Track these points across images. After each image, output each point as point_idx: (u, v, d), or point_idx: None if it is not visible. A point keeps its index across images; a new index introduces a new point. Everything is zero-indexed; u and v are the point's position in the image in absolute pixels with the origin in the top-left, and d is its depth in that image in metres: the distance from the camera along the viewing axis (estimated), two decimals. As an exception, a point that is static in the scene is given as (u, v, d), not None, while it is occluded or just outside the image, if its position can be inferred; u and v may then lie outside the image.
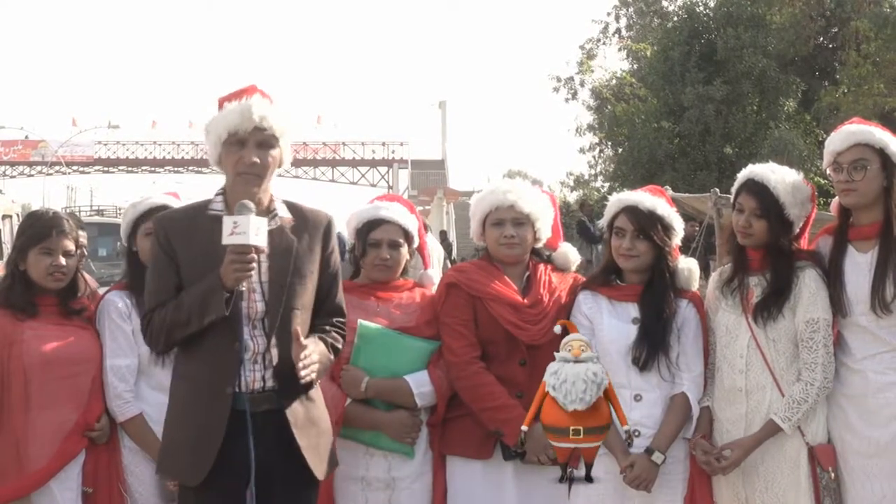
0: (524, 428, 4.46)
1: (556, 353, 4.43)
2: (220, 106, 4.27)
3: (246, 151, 4.16)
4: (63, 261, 4.77)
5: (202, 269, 4.08)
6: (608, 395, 4.40)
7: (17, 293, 4.75)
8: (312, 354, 4.15)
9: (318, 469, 4.30)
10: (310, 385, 4.25)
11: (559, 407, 4.31)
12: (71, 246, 4.82)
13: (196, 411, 4.18)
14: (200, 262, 4.11)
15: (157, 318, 4.17)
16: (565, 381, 4.29)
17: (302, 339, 4.11)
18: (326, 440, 4.40)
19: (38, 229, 4.79)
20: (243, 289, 4.07)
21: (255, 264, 4.04)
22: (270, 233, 4.19)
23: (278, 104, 4.29)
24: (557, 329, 4.54)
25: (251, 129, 4.15)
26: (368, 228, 5.00)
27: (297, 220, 4.33)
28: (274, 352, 4.20)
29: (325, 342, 4.33)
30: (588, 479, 4.61)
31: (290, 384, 4.18)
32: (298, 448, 4.21)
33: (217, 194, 4.32)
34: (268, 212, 4.26)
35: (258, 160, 4.16)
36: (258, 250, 4.03)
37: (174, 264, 4.20)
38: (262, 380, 4.20)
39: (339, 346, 4.44)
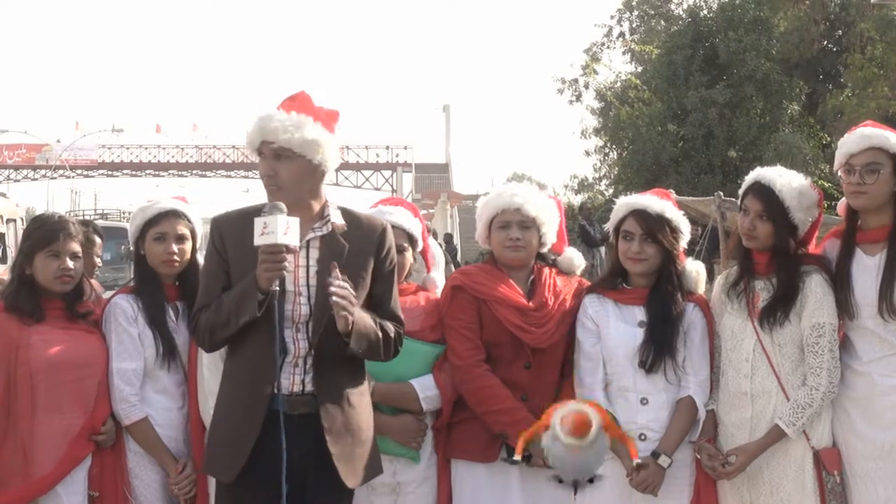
0: (517, 458, 4.43)
1: (545, 435, 4.34)
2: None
3: (263, 164, 4.25)
4: (70, 263, 4.76)
5: (248, 270, 4.11)
6: (620, 438, 4.39)
7: (23, 297, 4.73)
8: (349, 296, 4.08)
9: (350, 478, 4.29)
10: (353, 357, 4.25)
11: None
12: (77, 248, 4.82)
13: (235, 410, 4.25)
14: (247, 264, 4.13)
15: (202, 317, 4.26)
16: (557, 460, 4.30)
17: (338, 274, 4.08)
18: (364, 449, 4.37)
19: (45, 232, 4.78)
20: (276, 289, 4.08)
21: (287, 264, 4.05)
22: (321, 238, 4.26)
23: (302, 117, 4.26)
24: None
25: (260, 142, 4.23)
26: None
27: (350, 226, 4.35)
28: (318, 356, 4.22)
29: (374, 320, 4.28)
30: (589, 479, 4.62)
31: (329, 389, 4.21)
32: (327, 453, 4.22)
33: None
34: (320, 217, 4.31)
35: (272, 172, 4.22)
36: (290, 250, 4.04)
37: (225, 265, 4.28)
38: (301, 383, 4.23)
39: (391, 333, 4.36)
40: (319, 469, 4.22)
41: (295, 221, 4.05)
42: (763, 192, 4.69)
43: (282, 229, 3.97)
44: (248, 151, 4.34)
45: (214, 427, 4.42)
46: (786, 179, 4.70)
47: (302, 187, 4.27)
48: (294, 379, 4.22)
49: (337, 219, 4.34)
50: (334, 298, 4.04)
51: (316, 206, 4.32)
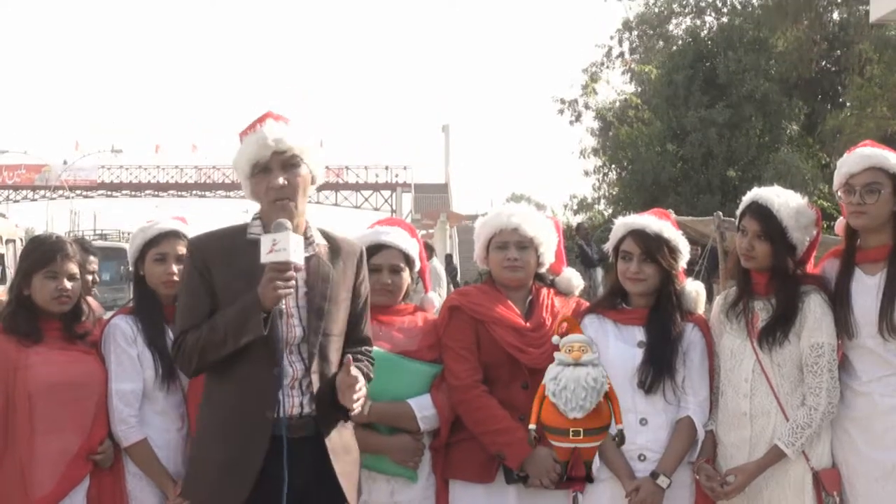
0: (532, 426, 4.47)
1: (555, 355, 4.46)
2: (241, 141, 4.29)
3: (272, 177, 4.17)
4: (68, 284, 4.76)
5: (241, 292, 4.08)
6: (608, 396, 4.43)
7: (21, 318, 4.73)
8: (364, 388, 4.16)
9: (352, 496, 4.29)
10: (348, 413, 4.25)
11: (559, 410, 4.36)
12: (75, 269, 4.82)
13: (232, 437, 4.16)
14: (239, 285, 4.10)
15: (189, 339, 4.16)
16: (565, 387, 4.32)
17: (353, 367, 4.11)
18: (357, 468, 4.39)
19: (43, 253, 4.78)
20: (282, 307, 4.07)
21: (293, 283, 4.04)
22: (308, 259, 4.22)
23: (294, 124, 4.29)
24: (556, 340, 4.54)
25: (270, 154, 4.16)
26: (369, 253, 4.99)
27: (331, 248, 4.35)
28: (314, 377, 4.20)
29: (362, 371, 4.32)
30: (588, 479, 4.63)
31: (328, 410, 4.19)
32: (333, 475, 4.21)
33: (255, 218, 4.32)
34: (304, 238, 4.27)
35: (286, 182, 4.17)
36: (297, 268, 4.03)
37: (209, 287, 4.20)
38: (300, 405, 4.19)
39: (372, 375, 4.44)
40: (320, 490, 4.20)
41: (300, 239, 4.05)
42: (761, 212, 4.69)
43: (293, 247, 3.96)
44: (245, 171, 4.25)
45: (202, 455, 4.32)
46: (783, 199, 4.71)
47: (305, 198, 4.27)
48: (293, 401, 4.18)
49: (320, 240, 4.34)
50: (356, 405, 4.12)
51: (301, 226, 4.28)
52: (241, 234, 4.28)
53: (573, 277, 5.22)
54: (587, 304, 5.14)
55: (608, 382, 4.41)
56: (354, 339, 4.43)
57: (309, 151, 4.26)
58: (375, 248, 5.00)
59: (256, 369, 4.11)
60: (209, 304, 4.20)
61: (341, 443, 4.28)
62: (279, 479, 4.04)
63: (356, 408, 4.13)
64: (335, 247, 4.37)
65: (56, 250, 4.78)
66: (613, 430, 4.47)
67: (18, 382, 4.63)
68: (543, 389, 4.44)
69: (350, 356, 4.16)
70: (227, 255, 4.21)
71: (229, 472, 4.14)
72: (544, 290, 5.06)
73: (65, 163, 64.10)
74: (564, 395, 4.32)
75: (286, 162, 4.19)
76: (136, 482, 4.83)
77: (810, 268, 4.85)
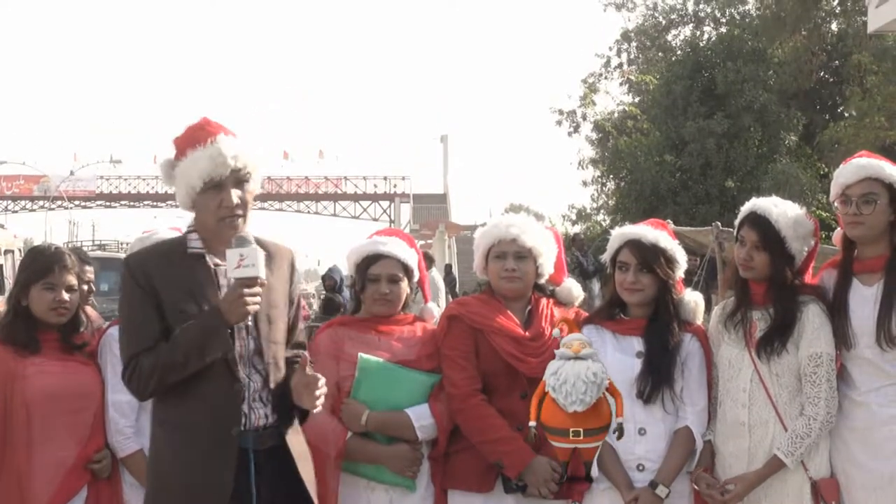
0: (532, 423, 4.48)
1: (555, 352, 4.47)
2: (181, 150, 4.17)
3: (226, 195, 4.10)
4: (66, 296, 4.76)
5: (189, 308, 4.02)
6: (609, 390, 4.43)
7: (19, 329, 4.74)
8: (325, 386, 4.14)
9: (317, 500, 4.30)
10: (305, 416, 4.25)
11: (559, 407, 4.36)
12: (73, 281, 4.82)
13: (197, 456, 4.06)
14: (185, 301, 4.05)
15: (144, 362, 4.01)
16: (565, 381, 4.33)
17: (308, 367, 4.10)
18: (313, 476, 4.41)
19: (41, 265, 4.79)
20: (250, 323, 4.08)
21: (259, 297, 4.02)
22: None
23: (243, 138, 4.24)
24: (556, 333, 4.56)
25: (228, 172, 4.10)
26: (367, 263, 5.00)
27: (266, 255, 4.25)
28: (273, 387, 4.18)
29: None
30: (587, 478, 4.65)
31: (289, 418, 4.20)
32: (297, 482, 4.21)
33: (190, 232, 4.24)
34: None
35: (239, 200, 4.13)
36: (261, 283, 4.01)
37: (156, 305, 4.07)
38: (265, 416, 4.17)
39: None
40: (287, 499, 4.19)
41: (263, 254, 4.02)
42: (759, 222, 4.69)
43: (261, 262, 3.96)
44: (195, 186, 4.10)
45: (164, 476, 4.16)
46: (781, 209, 4.71)
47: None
48: (258, 413, 4.15)
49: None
50: (317, 403, 4.11)
51: None
52: (179, 247, 4.22)
53: (573, 288, 5.21)
54: (586, 314, 5.14)
55: (608, 378, 4.41)
56: (293, 345, 4.41)
57: (258, 166, 4.22)
58: (374, 258, 5.00)
59: (214, 386, 4.05)
60: (158, 322, 4.06)
61: (301, 449, 4.30)
62: (248, 494, 4.03)
63: (318, 405, 4.11)
64: (269, 253, 4.26)
65: (54, 261, 4.78)
66: (614, 424, 4.47)
67: (16, 393, 4.63)
68: (543, 386, 4.44)
69: (306, 354, 4.16)
70: (170, 270, 4.13)
71: (199, 493, 4.05)
72: (543, 301, 5.06)
73: (72, 173, 64.23)
74: (564, 389, 4.32)
75: (240, 179, 4.14)
76: (133, 492, 4.84)
77: (808, 278, 4.85)
